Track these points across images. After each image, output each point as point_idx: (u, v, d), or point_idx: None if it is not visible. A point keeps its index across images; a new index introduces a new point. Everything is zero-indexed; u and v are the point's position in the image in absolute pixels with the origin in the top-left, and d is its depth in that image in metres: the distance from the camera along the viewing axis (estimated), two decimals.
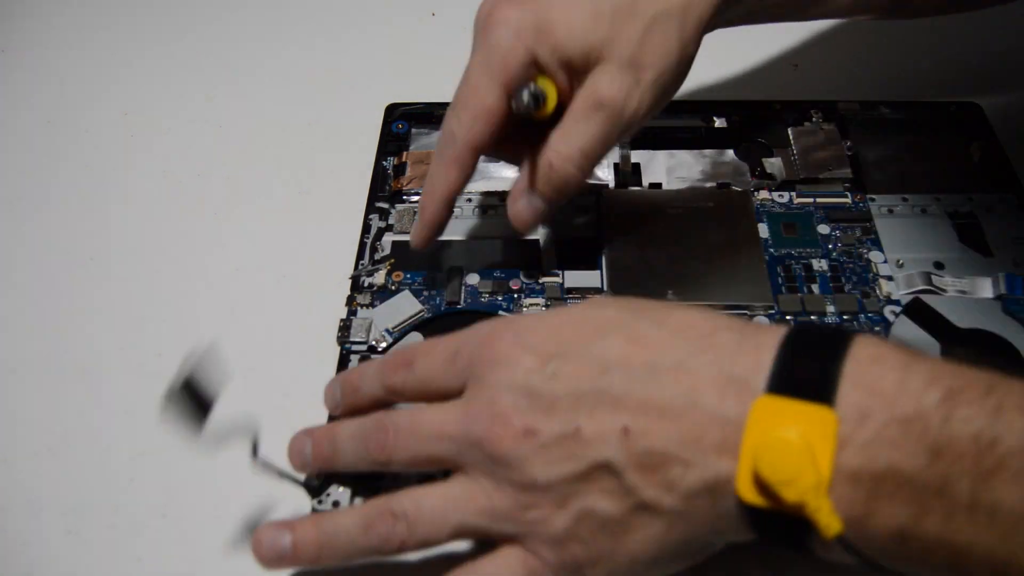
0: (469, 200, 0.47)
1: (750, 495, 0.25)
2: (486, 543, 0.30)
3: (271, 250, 0.47)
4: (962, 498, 0.22)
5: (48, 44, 0.61)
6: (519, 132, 0.37)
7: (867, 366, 0.24)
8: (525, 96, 0.34)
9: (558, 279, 0.43)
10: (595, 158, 0.36)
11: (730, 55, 0.58)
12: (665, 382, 0.26)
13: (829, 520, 0.23)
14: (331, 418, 0.36)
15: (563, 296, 0.42)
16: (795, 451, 0.23)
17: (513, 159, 0.39)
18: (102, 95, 0.57)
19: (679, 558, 0.28)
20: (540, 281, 0.43)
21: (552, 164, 0.36)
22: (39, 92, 0.57)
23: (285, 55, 0.59)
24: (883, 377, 0.24)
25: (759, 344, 0.26)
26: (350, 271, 0.44)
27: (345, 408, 0.34)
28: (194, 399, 0.32)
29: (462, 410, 0.29)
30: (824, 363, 0.24)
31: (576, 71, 0.36)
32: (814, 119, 0.50)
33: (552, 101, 0.36)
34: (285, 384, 0.40)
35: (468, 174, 0.37)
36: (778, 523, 0.25)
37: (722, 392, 0.25)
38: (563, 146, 0.36)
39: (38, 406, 0.40)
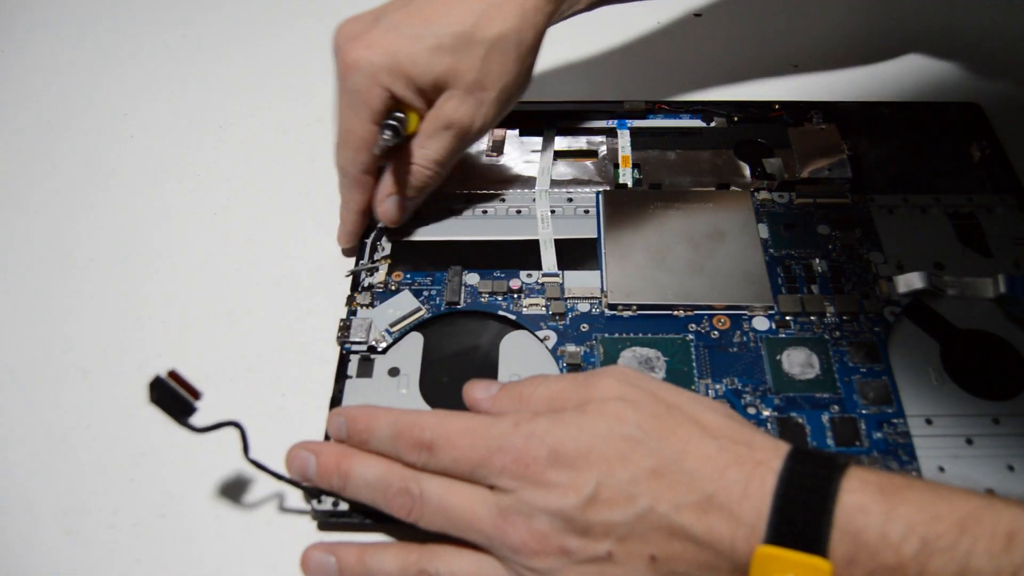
0: (469, 200, 0.47)
1: None
2: None
3: (271, 250, 0.47)
4: None
5: (48, 44, 0.61)
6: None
7: (853, 515, 0.27)
8: (386, 134, 0.40)
9: (558, 279, 0.43)
10: (448, 165, 0.44)
11: (730, 55, 0.58)
12: (687, 519, 0.28)
13: None
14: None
15: (563, 296, 0.42)
16: None
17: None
18: (102, 95, 0.57)
19: None
20: (540, 281, 0.43)
21: (413, 173, 0.43)
22: (39, 92, 0.57)
23: (286, 55, 0.59)
24: (867, 528, 0.26)
25: (761, 485, 0.28)
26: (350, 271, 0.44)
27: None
28: (170, 397, 0.32)
29: (497, 514, 0.31)
30: (815, 516, 0.27)
31: (429, 96, 0.42)
32: (814, 119, 0.50)
33: (413, 124, 0.42)
34: (285, 384, 0.41)
35: (370, 188, 0.43)
36: None
37: (733, 535, 0.28)
38: (422, 159, 0.43)
39: (38, 406, 0.40)
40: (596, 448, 0.30)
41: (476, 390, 0.35)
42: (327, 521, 0.35)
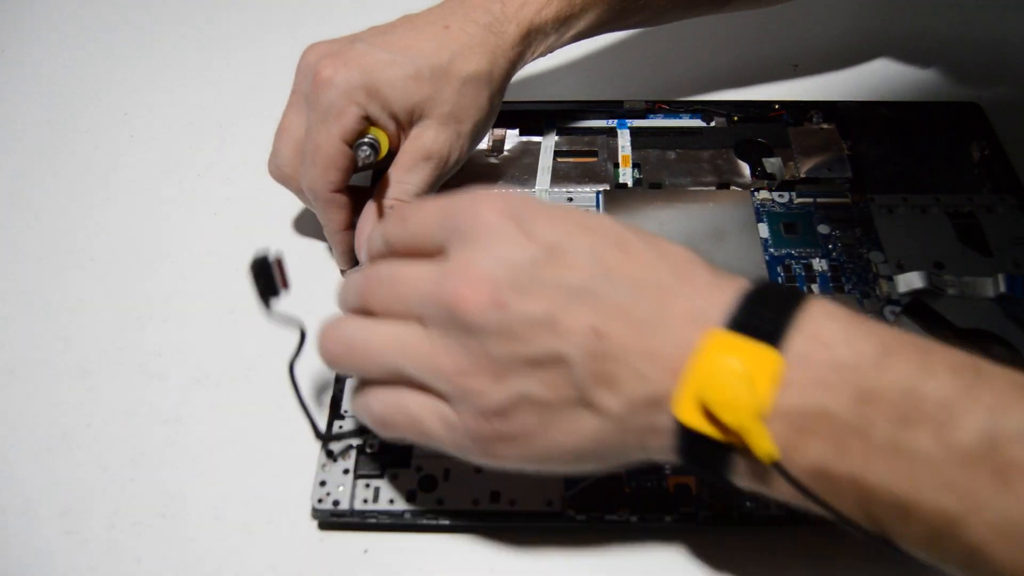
0: None
1: (688, 416, 0.26)
2: None
3: (271, 250, 0.47)
4: (880, 441, 0.24)
5: (48, 44, 0.61)
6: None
7: (818, 319, 0.26)
8: (365, 150, 0.40)
9: None
10: (424, 194, 0.43)
11: (730, 55, 0.58)
12: (644, 298, 0.27)
13: (768, 447, 0.25)
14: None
15: None
16: (738, 378, 0.25)
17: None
18: (102, 95, 0.57)
19: (594, 461, 0.29)
20: None
21: (395, 206, 0.42)
22: (39, 92, 0.57)
23: (286, 55, 0.59)
24: (829, 329, 0.26)
25: (729, 285, 0.28)
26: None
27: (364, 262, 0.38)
28: (265, 276, 0.34)
29: (440, 268, 0.29)
30: (780, 312, 0.26)
31: (402, 123, 0.42)
32: (814, 119, 0.50)
33: (385, 147, 0.41)
34: (285, 383, 0.40)
35: (347, 205, 0.42)
36: (704, 450, 0.26)
37: (688, 320, 0.27)
38: (402, 193, 0.42)
39: (38, 406, 0.40)
40: (564, 215, 0.29)
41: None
42: (327, 521, 0.35)
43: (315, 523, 0.36)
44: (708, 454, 0.27)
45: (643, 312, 0.27)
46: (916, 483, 0.24)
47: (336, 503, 0.35)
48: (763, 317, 0.26)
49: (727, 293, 0.27)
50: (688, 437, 0.26)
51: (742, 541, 0.35)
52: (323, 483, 0.35)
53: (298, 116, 0.42)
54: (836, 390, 0.25)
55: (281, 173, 0.43)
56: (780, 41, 0.59)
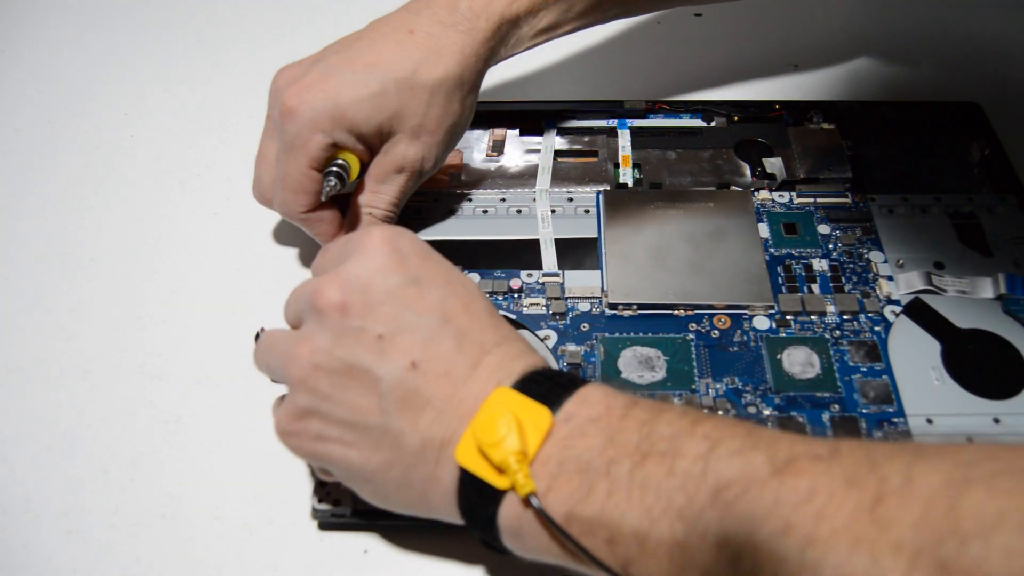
0: (470, 200, 0.47)
1: (464, 457, 0.29)
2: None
3: (271, 249, 0.47)
4: (621, 477, 0.27)
5: (48, 44, 0.61)
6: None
7: (589, 389, 0.30)
8: (331, 180, 0.40)
9: (558, 279, 0.43)
10: (403, 203, 0.44)
11: (730, 55, 0.58)
12: (466, 352, 0.30)
13: (526, 482, 0.28)
14: None
15: (563, 296, 0.42)
16: (505, 422, 0.28)
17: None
18: (102, 95, 0.57)
19: (381, 493, 0.31)
20: (540, 281, 0.43)
21: (373, 215, 0.43)
22: (39, 92, 0.57)
23: (286, 55, 0.59)
24: (594, 393, 0.30)
25: (534, 358, 0.31)
26: None
27: None
28: None
29: (315, 273, 0.33)
30: (560, 387, 0.30)
31: (371, 142, 0.42)
32: (814, 119, 0.50)
33: (355, 170, 0.41)
34: None
35: (325, 218, 0.42)
36: (477, 500, 0.29)
37: (488, 379, 0.30)
38: (378, 202, 0.43)
39: (38, 406, 0.40)
40: (432, 259, 0.33)
41: None
42: (327, 521, 0.35)
43: (315, 523, 0.36)
44: (480, 504, 0.29)
45: (460, 363, 0.30)
46: (650, 512, 0.26)
47: (336, 503, 0.35)
48: (547, 387, 0.30)
49: (529, 365, 0.31)
50: (464, 482, 0.29)
51: None
52: (323, 484, 0.35)
53: (272, 141, 0.43)
54: (588, 438, 0.28)
55: (263, 197, 0.44)
56: (780, 41, 0.59)
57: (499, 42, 0.43)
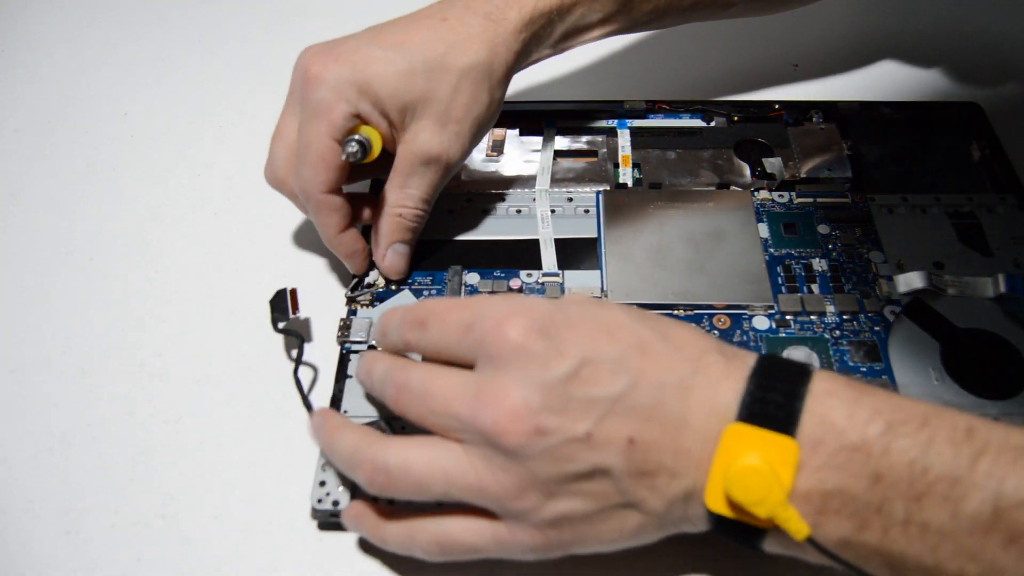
0: (469, 200, 0.47)
1: (719, 507, 0.28)
2: None
3: (271, 250, 0.47)
4: (897, 516, 0.26)
5: (48, 44, 0.61)
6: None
7: (823, 399, 0.27)
8: (353, 146, 0.39)
9: (558, 279, 0.43)
10: (433, 201, 0.42)
11: (730, 55, 0.58)
12: (669, 399, 0.28)
13: (799, 526, 0.27)
14: None
15: (563, 296, 0.42)
16: (763, 476, 0.27)
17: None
18: (102, 95, 0.57)
19: (636, 544, 0.31)
20: (540, 281, 0.43)
21: (403, 215, 0.41)
22: (38, 92, 0.57)
23: (286, 55, 0.59)
24: (835, 410, 0.27)
25: (738, 369, 0.29)
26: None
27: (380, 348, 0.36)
28: (280, 303, 0.40)
29: (474, 392, 0.29)
30: (787, 397, 0.28)
31: (395, 121, 0.40)
32: (814, 119, 0.50)
33: (377, 147, 0.40)
34: (286, 383, 0.40)
35: (340, 208, 0.41)
36: (738, 529, 0.28)
37: (709, 414, 0.28)
38: (407, 199, 0.41)
39: (38, 406, 0.40)
40: (584, 322, 0.30)
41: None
42: (327, 521, 0.35)
43: (315, 523, 0.36)
44: (742, 533, 0.28)
45: (669, 413, 0.28)
46: (936, 552, 0.25)
47: (336, 503, 0.35)
48: (774, 403, 0.28)
49: (738, 380, 0.28)
50: (723, 522, 0.28)
51: None
52: (323, 483, 0.35)
53: (292, 119, 0.41)
54: (849, 471, 0.26)
55: (276, 177, 0.42)
56: (780, 41, 0.59)
57: (532, 37, 0.42)
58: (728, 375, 0.29)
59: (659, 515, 0.29)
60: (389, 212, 0.41)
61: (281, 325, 0.40)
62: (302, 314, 0.41)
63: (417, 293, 0.42)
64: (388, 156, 0.41)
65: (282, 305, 0.40)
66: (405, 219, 0.41)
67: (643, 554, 0.31)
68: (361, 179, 0.45)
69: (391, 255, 0.42)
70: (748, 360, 0.29)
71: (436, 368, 0.31)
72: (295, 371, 0.39)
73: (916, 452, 0.26)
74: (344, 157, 0.39)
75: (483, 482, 0.29)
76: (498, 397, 0.28)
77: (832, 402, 0.27)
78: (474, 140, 0.42)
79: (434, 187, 0.42)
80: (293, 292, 0.40)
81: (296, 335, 0.40)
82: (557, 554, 0.30)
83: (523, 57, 0.43)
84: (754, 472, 0.27)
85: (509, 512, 0.29)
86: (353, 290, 0.43)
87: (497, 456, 0.28)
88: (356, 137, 0.39)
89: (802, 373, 0.28)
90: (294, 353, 0.42)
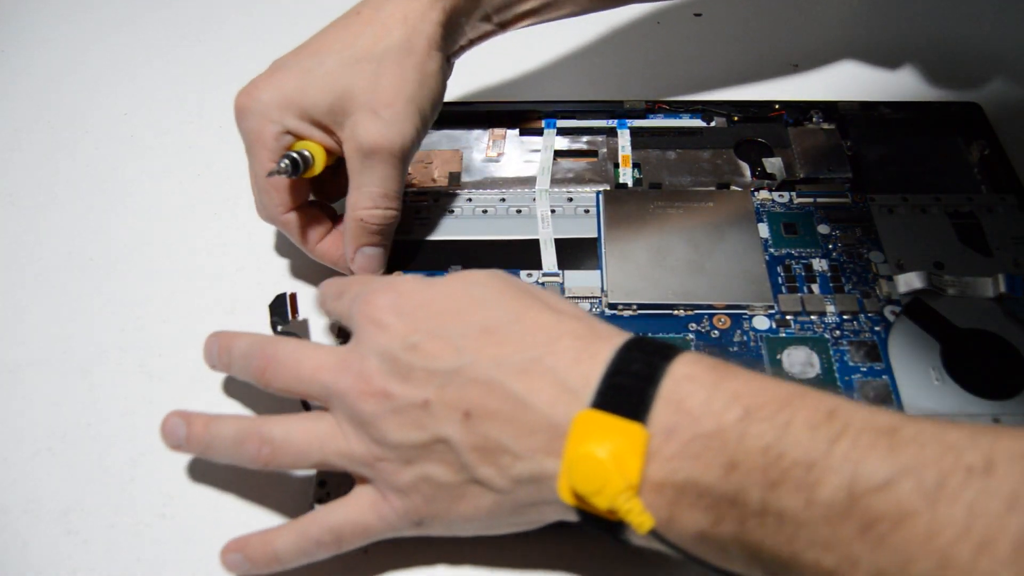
0: (469, 200, 0.47)
1: (569, 499, 0.28)
2: None
3: (271, 250, 0.47)
4: (753, 506, 0.25)
5: (48, 44, 0.61)
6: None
7: (680, 384, 0.27)
8: (284, 163, 0.39)
9: (558, 279, 0.43)
10: (395, 193, 0.41)
11: (730, 55, 0.58)
12: (508, 379, 0.29)
13: (641, 519, 0.26)
14: None
15: (563, 296, 0.42)
16: (601, 465, 0.26)
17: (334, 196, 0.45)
18: (102, 95, 0.57)
19: (510, 524, 0.31)
20: (540, 281, 0.43)
21: (364, 219, 0.40)
22: (39, 92, 0.57)
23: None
24: (692, 395, 0.26)
25: (593, 356, 0.28)
26: None
27: None
28: (280, 308, 0.41)
29: (337, 360, 0.32)
30: (643, 383, 0.27)
31: (329, 125, 0.40)
32: (814, 119, 0.50)
33: (319, 157, 0.40)
34: None
35: (308, 222, 0.42)
36: (599, 526, 0.28)
37: (555, 399, 0.28)
38: (363, 199, 0.40)
39: (38, 406, 0.40)
40: (437, 301, 0.32)
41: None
42: None
43: None
44: (602, 523, 0.28)
45: (507, 393, 0.29)
46: (792, 542, 0.24)
47: (328, 495, 0.35)
48: (626, 389, 0.27)
49: (593, 364, 0.28)
50: (580, 512, 0.28)
51: None
52: (323, 483, 0.35)
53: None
54: (704, 461, 0.26)
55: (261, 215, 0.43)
56: (780, 41, 0.59)
57: (455, 10, 0.41)
58: (581, 360, 0.28)
59: (508, 495, 0.29)
60: (349, 216, 0.41)
61: (280, 328, 0.40)
62: (301, 315, 0.41)
63: None
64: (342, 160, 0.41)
65: (282, 309, 0.40)
66: (366, 221, 0.40)
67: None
68: (341, 195, 0.44)
69: (360, 259, 0.41)
70: (612, 343, 0.29)
71: (300, 343, 0.34)
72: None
73: (772, 437, 0.25)
74: (275, 170, 0.39)
75: (351, 445, 0.31)
76: (355, 364, 0.31)
77: (690, 387, 0.27)
78: (416, 120, 0.40)
79: (387, 179, 0.40)
80: (293, 296, 0.40)
81: (295, 337, 0.39)
82: (435, 528, 0.32)
83: (452, 28, 0.42)
84: (590, 460, 0.26)
85: (376, 476, 0.31)
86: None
87: (358, 421, 0.31)
88: (288, 153, 0.39)
89: (663, 356, 0.28)
90: None
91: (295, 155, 0.39)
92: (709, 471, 0.25)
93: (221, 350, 0.36)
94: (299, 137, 0.40)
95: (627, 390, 0.27)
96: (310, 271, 0.45)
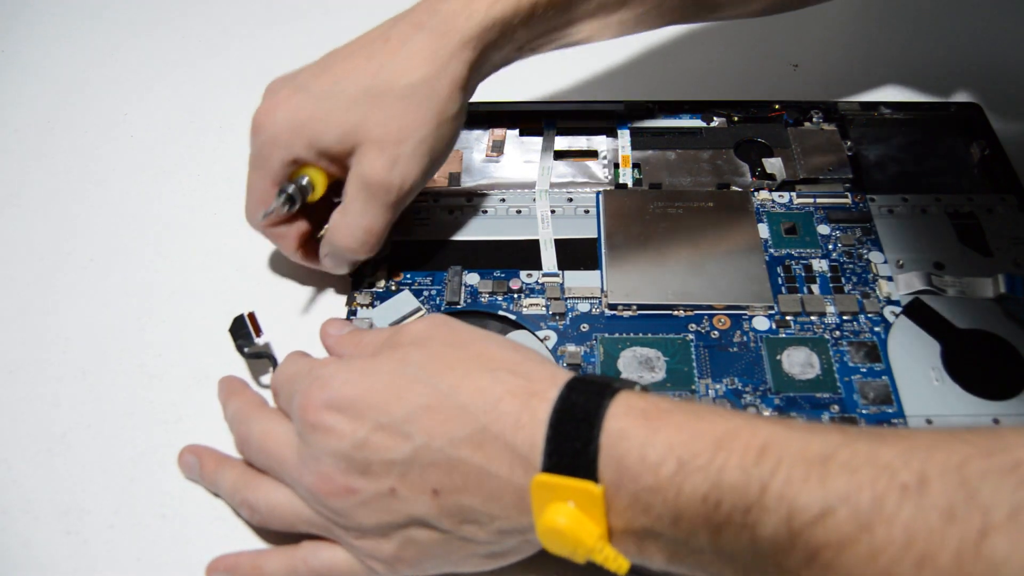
0: (469, 200, 0.47)
1: (551, 547, 0.28)
2: None
3: (270, 250, 0.47)
4: (705, 547, 0.26)
5: (48, 44, 0.61)
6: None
7: (616, 444, 0.27)
8: (281, 198, 0.40)
9: (558, 279, 0.43)
10: (378, 231, 0.40)
11: (730, 55, 0.58)
12: (463, 453, 0.29)
13: (617, 564, 0.27)
14: None
15: (563, 296, 0.42)
16: (566, 534, 0.27)
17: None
18: (101, 95, 0.57)
19: (502, 561, 0.32)
20: (540, 281, 0.43)
21: (334, 243, 0.41)
22: (39, 92, 0.57)
23: (285, 54, 0.59)
24: (628, 454, 0.27)
25: (532, 416, 0.29)
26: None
27: None
28: (241, 329, 0.41)
29: (297, 457, 0.32)
30: (582, 442, 0.27)
31: (339, 154, 0.39)
32: (814, 119, 0.51)
33: (320, 185, 0.41)
34: None
35: (289, 232, 0.42)
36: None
37: (511, 466, 0.29)
38: (345, 226, 0.40)
39: (38, 406, 0.40)
40: (373, 390, 0.31)
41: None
42: None
43: None
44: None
45: (468, 466, 0.29)
46: (749, 571, 0.26)
47: None
48: (571, 452, 0.27)
49: (535, 427, 0.28)
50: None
51: None
52: None
53: None
54: (652, 514, 0.26)
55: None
56: (780, 41, 0.59)
57: (489, 45, 0.40)
58: (522, 424, 0.28)
59: (496, 543, 0.30)
60: (328, 236, 0.41)
61: (247, 350, 0.40)
62: (264, 333, 0.41)
63: (417, 293, 0.42)
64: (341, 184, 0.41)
65: (244, 331, 0.41)
66: (343, 240, 0.40)
67: None
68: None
69: (329, 262, 0.42)
70: (547, 398, 0.29)
71: (271, 421, 0.35)
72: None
73: (707, 487, 0.25)
74: (271, 211, 0.40)
75: (328, 526, 0.32)
76: (310, 464, 0.32)
77: (625, 445, 0.27)
78: (424, 162, 0.40)
79: (376, 216, 0.40)
80: (252, 316, 0.41)
81: (268, 357, 0.40)
82: (430, 572, 0.32)
83: (481, 66, 0.41)
84: (555, 532, 0.27)
85: (358, 551, 0.32)
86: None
87: (330, 512, 0.32)
88: (287, 190, 0.40)
89: (596, 412, 0.28)
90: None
91: (293, 191, 0.40)
92: (659, 522, 0.26)
93: (222, 406, 0.38)
94: (305, 164, 0.40)
95: (571, 453, 0.27)
96: (309, 270, 0.45)
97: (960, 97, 0.52)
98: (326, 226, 0.42)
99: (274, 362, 0.40)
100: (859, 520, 0.23)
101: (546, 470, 0.28)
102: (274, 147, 0.40)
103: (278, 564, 0.33)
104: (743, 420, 0.27)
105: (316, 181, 0.40)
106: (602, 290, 0.42)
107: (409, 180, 0.39)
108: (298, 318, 0.43)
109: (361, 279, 0.44)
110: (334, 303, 0.43)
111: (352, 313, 0.42)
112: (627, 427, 0.27)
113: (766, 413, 0.37)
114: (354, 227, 0.40)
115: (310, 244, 0.43)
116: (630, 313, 0.41)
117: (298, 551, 0.33)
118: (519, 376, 0.30)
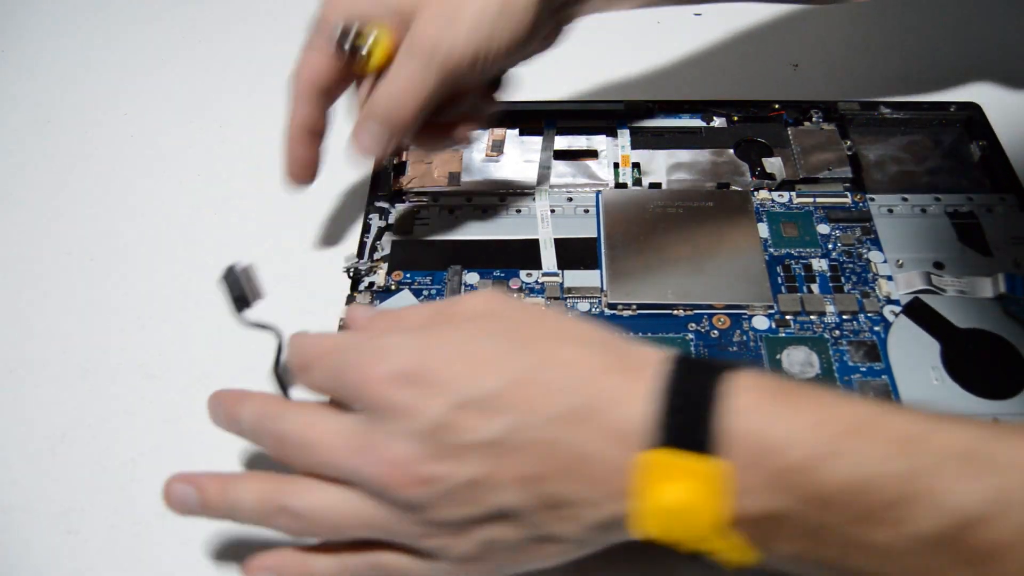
0: (469, 200, 0.47)
1: (657, 536, 0.26)
2: None
3: (270, 251, 0.47)
4: (848, 538, 0.24)
5: (48, 44, 0.61)
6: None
7: (744, 418, 0.25)
8: (338, 33, 0.36)
9: (558, 279, 0.43)
10: (414, 95, 0.37)
11: (730, 55, 0.58)
12: (560, 433, 0.26)
13: (737, 554, 0.25)
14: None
15: (563, 296, 0.42)
16: (684, 513, 0.25)
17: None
18: (102, 95, 0.57)
19: (572, 557, 0.29)
20: (540, 281, 0.43)
21: (371, 105, 0.37)
22: (39, 92, 0.57)
23: (285, 54, 0.59)
24: (761, 431, 0.25)
25: (638, 391, 0.26)
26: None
27: None
28: (236, 286, 0.35)
29: (354, 443, 0.28)
30: (702, 418, 0.25)
31: (404, 18, 0.37)
32: (814, 119, 0.51)
33: (383, 44, 0.37)
34: None
35: (313, 109, 0.39)
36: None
37: (610, 445, 0.26)
38: (382, 86, 0.37)
39: (38, 406, 0.40)
40: (449, 360, 0.27)
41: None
42: None
43: None
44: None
45: (565, 447, 0.26)
46: (894, 567, 0.24)
47: None
48: (688, 425, 0.25)
49: (643, 400, 0.26)
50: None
51: None
52: None
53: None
54: (790, 494, 0.24)
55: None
56: (780, 41, 0.59)
57: None
58: (628, 397, 0.26)
59: (581, 542, 0.28)
60: (375, 95, 0.38)
61: (245, 312, 0.35)
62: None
63: (417, 293, 0.42)
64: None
65: (239, 287, 0.35)
66: (381, 105, 0.37)
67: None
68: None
69: (360, 135, 0.38)
70: (648, 373, 0.26)
71: (311, 413, 0.30)
72: (277, 372, 0.35)
73: (857, 473, 0.24)
74: (337, 51, 0.37)
75: (391, 525, 0.28)
76: (377, 450, 0.27)
77: (756, 422, 0.25)
78: (477, 38, 0.36)
79: (416, 77, 0.36)
80: (246, 271, 0.36)
81: (272, 330, 0.36)
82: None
83: None
84: (668, 511, 0.25)
85: (424, 549, 0.29)
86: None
87: (401, 505, 0.28)
88: (343, 27, 0.37)
89: (715, 387, 0.25)
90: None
91: (351, 30, 0.37)
92: (797, 507, 0.24)
93: (228, 421, 0.32)
94: (368, 20, 0.37)
95: (688, 427, 0.25)
96: (309, 270, 0.45)
97: (960, 97, 0.52)
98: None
99: (280, 340, 0.35)
100: (1017, 527, 0.22)
101: (659, 445, 0.25)
102: (336, 6, 0.37)
103: (327, 564, 0.30)
104: (877, 407, 0.25)
105: (381, 39, 0.37)
106: (602, 290, 0.42)
107: (457, 49, 0.36)
108: (299, 317, 0.43)
109: (359, 280, 0.44)
110: (335, 301, 0.43)
111: None
112: (756, 404, 0.25)
113: None
114: (393, 88, 0.37)
115: (307, 142, 0.40)
116: (630, 313, 0.41)
117: (350, 552, 0.30)
118: (610, 350, 0.27)
